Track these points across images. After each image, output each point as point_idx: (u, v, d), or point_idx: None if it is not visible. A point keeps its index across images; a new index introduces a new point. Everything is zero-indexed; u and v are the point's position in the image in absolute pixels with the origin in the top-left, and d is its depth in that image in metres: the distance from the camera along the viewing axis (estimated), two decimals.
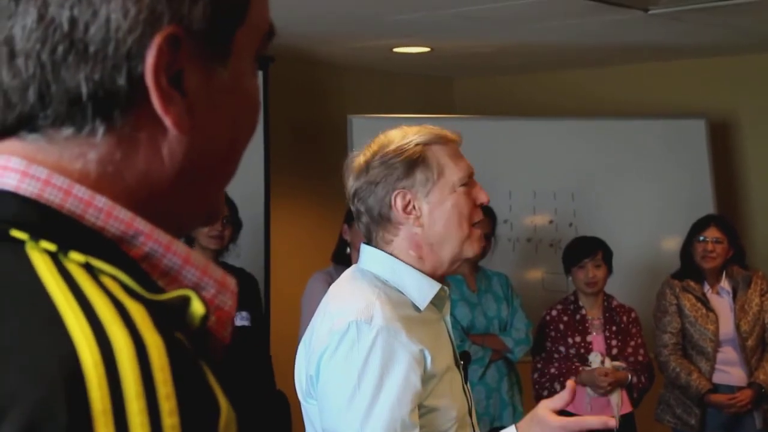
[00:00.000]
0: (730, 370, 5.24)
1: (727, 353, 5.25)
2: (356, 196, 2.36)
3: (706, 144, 6.45)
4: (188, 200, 0.90)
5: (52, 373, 0.71)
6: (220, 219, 0.96)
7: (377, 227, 2.35)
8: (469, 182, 2.34)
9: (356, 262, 2.42)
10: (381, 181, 2.31)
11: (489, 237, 5.20)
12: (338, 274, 2.50)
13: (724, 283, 5.34)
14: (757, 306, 5.28)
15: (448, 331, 2.38)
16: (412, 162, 2.30)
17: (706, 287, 5.34)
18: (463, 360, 2.40)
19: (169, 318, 0.78)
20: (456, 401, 2.28)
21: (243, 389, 4.74)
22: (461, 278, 5.03)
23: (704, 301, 5.29)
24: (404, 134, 2.35)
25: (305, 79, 6.86)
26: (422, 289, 2.31)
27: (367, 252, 2.38)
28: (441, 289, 2.34)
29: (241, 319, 4.80)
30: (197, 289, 0.84)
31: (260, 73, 5.96)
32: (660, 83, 7.00)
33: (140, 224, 0.83)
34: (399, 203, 2.31)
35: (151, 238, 0.83)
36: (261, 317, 5.17)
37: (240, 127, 0.92)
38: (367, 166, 2.34)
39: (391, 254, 2.34)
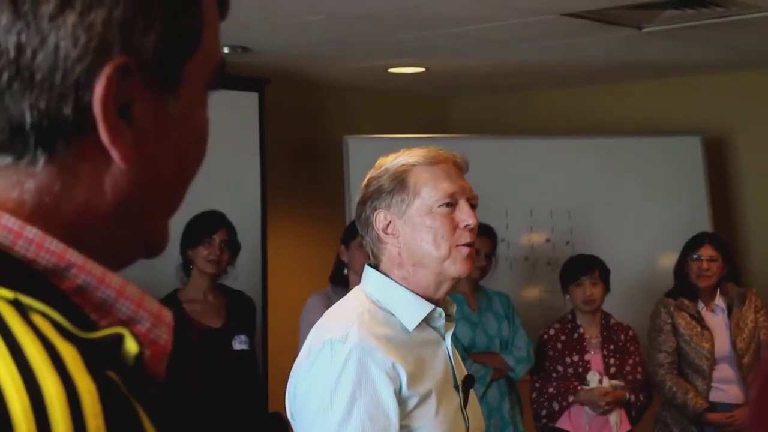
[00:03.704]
0: (726, 388, 5.23)
1: (723, 371, 5.24)
2: (356, 214, 2.44)
3: (701, 161, 6.46)
4: (129, 232, 0.86)
5: None
6: (163, 251, 0.92)
7: (369, 245, 2.42)
8: (452, 203, 2.34)
9: (353, 283, 2.45)
10: (368, 200, 2.38)
11: (489, 257, 5.21)
12: (336, 295, 2.53)
13: (719, 301, 5.33)
14: (752, 323, 5.27)
15: (449, 354, 2.37)
16: (392, 183, 2.35)
17: (701, 305, 5.33)
18: (465, 383, 2.39)
19: (102, 357, 0.75)
20: (443, 424, 2.27)
21: (236, 412, 4.73)
22: (462, 297, 5.03)
23: (699, 320, 5.28)
24: (398, 155, 2.40)
25: (300, 100, 6.87)
26: (412, 311, 2.33)
27: (366, 272, 2.41)
28: (434, 311, 2.34)
29: (240, 343, 4.80)
30: (131, 322, 0.81)
31: (256, 94, 5.99)
32: (655, 101, 7.01)
33: (72, 256, 0.79)
34: (379, 223, 2.36)
35: (84, 270, 0.79)
36: (259, 341, 5.17)
37: (187, 159, 0.89)
38: (364, 185, 2.41)
39: (385, 274, 2.36)
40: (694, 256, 5.30)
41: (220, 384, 4.65)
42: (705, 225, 6.10)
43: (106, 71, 0.79)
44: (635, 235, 6.34)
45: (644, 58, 6.15)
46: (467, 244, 2.35)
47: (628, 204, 6.40)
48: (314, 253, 6.45)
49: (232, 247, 4.85)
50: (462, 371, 2.41)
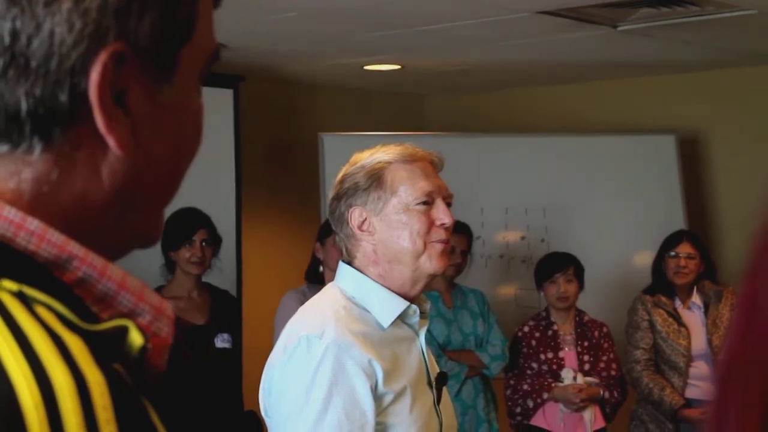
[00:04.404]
0: (702, 385, 5.25)
1: (700, 368, 5.26)
2: (329, 210, 2.43)
3: (676, 159, 6.49)
4: (126, 222, 0.86)
5: None
6: (157, 242, 0.90)
7: (342, 242, 2.41)
8: (429, 201, 2.35)
9: (329, 281, 2.45)
10: (342, 197, 2.38)
11: (465, 254, 5.22)
12: (311, 293, 2.53)
13: (696, 298, 5.36)
14: (728, 320, 5.29)
15: (423, 351, 2.38)
16: (368, 180, 2.35)
17: (678, 302, 5.35)
18: (439, 380, 2.40)
19: (107, 349, 0.74)
20: (418, 421, 2.28)
21: (214, 410, 4.72)
22: (437, 294, 5.04)
23: (676, 317, 5.30)
24: (374, 152, 2.40)
25: (276, 97, 6.86)
26: (387, 307, 2.33)
27: (340, 268, 2.41)
28: (409, 308, 2.35)
29: (223, 341, 4.80)
30: (132, 315, 0.80)
31: (230, 92, 5.96)
32: (630, 99, 7.03)
33: (74, 248, 0.79)
34: (354, 220, 2.35)
35: (85, 262, 0.79)
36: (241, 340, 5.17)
37: (183, 147, 0.88)
38: (338, 182, 2.41)
39: (360, 271, 2.37)
40: (672, 254, 5.32)
41: (201, 381, 4.64)
42: (679, 223, 6.13)
43: (102, 58, 0.78)
44: (610, 233, 6.36)
45: (619, 57, 6.17)
46: (442, 241, 2.36)
47: (602, 202, 6.42)
48: (290, 251, 6.44)
49: (214, 242, 4.85)
50: (435, 368, 2.42)
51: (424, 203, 2.34)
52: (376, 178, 2.35)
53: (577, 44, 5.72)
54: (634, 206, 6.40)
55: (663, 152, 6.50)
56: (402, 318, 2.35)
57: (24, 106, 0.78)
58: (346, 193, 2.37)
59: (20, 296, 0.74)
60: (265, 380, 2.30)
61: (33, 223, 0.78)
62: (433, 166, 2.42)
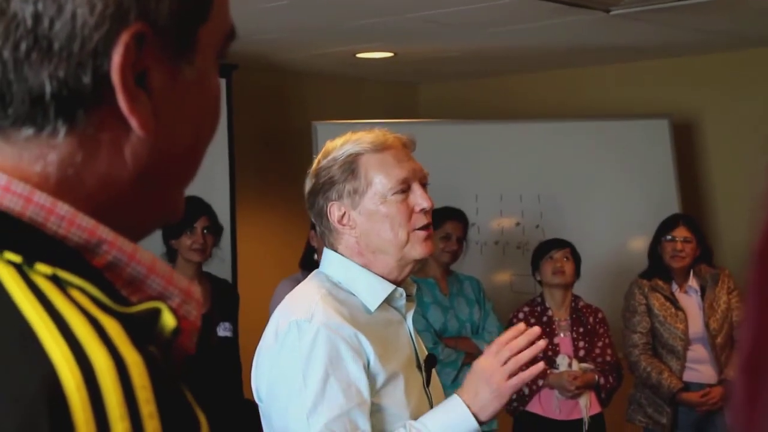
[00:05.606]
0: (700, 368, 5.26)
1: (697, 351, 5.26)
2: (308, 205, 2.41)
3: (669, 144, 6.49)
4: (150, 202, 0.87)
5: (33, 395, 0.68)
6: (179, 219, 0.91)
7: (325, 235, 2.40)
8: (405, 189, 2.34)
9: None
10: (319, 191, 2.36)
11: (461, 241, 5.22)
12: None
13: (692, 282, 5.36)
14: (725, 304, 5.30)
15: (410, 334, 2.38)
16: (343, 174, 2.33)
17: (674, 286, 5.35)
18: (428, 363, 2.40)
19: (141, 332, 0.76)
20: (410, 403, 2.29)
21: (215, 398, 4.73)
22: (433, 282, 5.04)
23: (673, 301, 5.30)
24: (342, 143, 2.37)
25: (269, 86, 6.84)
26: (374, 291, 2.33)
27: (325, 255, 2.41)
28: (395, 291, 2.35)
29: (224, 330, 4.82)
30: (162, 298, 0.82)
31: (224, 81, 5.95)
32: (623, 84, 7.03)
33: (103, 232, 0.80)
34: (334, 214, 2.35)
35: (114, 246, 0.80)
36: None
37: (203, 126, 0.89)
38: (312, 175, 2.39)
39: (345, 256, 2.36)
40: (669, 237, 5.32)
41: (203, 369, 4.65)
42: (674, 207, 6.13)
43: (124, 39, 0.78)
44: (604, 218, 6.36)
45: (612, 42, 6.16)
46: (424, 227, 2.35)
47: (597, 187, 6.41)
48: (284, 239, 6.44)
49: (215, 231, 4.85)
50: (423, 351, 2.43)
51: (401, 191, 2.33)
52: (350, 170, 2.33)
53: (570, 29, 5.71)
54: (629, 191, 6.40)
55: (657, 136, 6.50)
56: (389, 301, 2.36)
57: (48, 88, 0.78)
58: (323, 188, 2.35)
59: (55, 280, 0.75)
60: (256, 366, 2.31)
61: (63, 208, 0.79)
62: (406, 148, 2.40)
